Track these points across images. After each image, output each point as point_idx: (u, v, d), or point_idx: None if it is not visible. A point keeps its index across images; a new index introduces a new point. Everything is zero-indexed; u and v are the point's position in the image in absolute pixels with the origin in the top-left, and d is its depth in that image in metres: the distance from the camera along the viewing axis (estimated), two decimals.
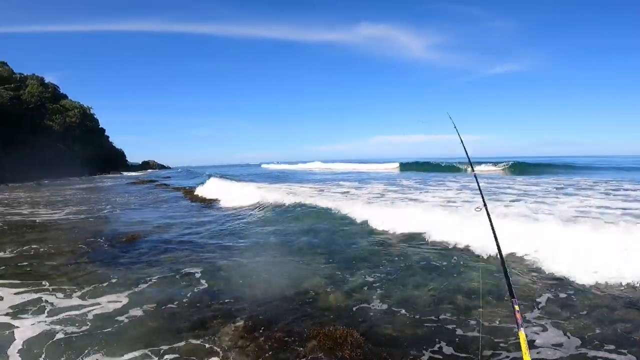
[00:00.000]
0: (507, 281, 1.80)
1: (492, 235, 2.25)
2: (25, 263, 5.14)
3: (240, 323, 3.07)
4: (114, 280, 4.24)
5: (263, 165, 67.62)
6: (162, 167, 75.45)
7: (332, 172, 32.16)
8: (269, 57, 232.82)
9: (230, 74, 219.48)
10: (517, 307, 1.61)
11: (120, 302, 3.62)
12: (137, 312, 3.38)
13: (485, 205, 2.63)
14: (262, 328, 2.98)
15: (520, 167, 24.08)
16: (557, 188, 11.29)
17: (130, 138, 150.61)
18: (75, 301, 3.66)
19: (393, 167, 32.17)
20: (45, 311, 3.43)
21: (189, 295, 3.77)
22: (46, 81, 51.06)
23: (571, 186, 11.64)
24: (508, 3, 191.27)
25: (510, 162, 25.32)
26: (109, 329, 3.05)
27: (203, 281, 4.19)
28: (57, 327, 3.09)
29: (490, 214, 2.50)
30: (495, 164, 25.34)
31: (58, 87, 54.65)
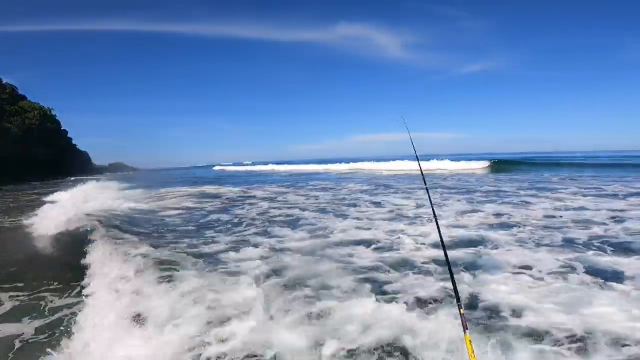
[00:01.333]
0: (453, 284, 1.91)
1: (439, 237, 2.51)
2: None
3: None
4: None
5: (216, 167, 64.82)
6: (131, 168, 73.03)
7: (299, 171, 32.20)
8: (245, 57, 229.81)
9: (206, 74, 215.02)
10: (462, 311, 1.69)
11: None
12: None
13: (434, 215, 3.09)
14: None
15: (502, 165, 24.27)
16: (533, 186, 11.94)
17: (101, 140, 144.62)
18: None
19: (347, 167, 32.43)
20: None
21: None
22: (3, 82, 48.12)
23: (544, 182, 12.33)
24: (482, 4, 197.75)
25: (494, 160, 25.49)
26: None
27: None
28: None
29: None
30: (477, 160, 25.49)
31: (16, 87, 51.66)
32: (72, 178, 41.62)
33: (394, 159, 30.20)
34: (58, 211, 8.91)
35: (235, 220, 8.03)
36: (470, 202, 9.01)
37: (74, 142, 64.32)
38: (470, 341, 1.53)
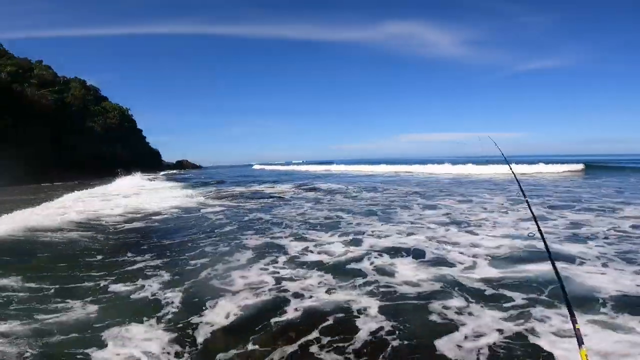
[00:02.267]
0: (564, 296, 1.75)
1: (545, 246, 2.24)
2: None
3: None
4: None
5: (255, 166, 68.12)
6: (194, 166, 77.84)
7: (348, 173, 31.32)
8: (295, 57, 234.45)
9: (258, 74, 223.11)
10: (577, 326, 1.54)
11: None
12: None
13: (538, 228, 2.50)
14: None
15: (587, 169, 21.01)
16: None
17: (166, 138, 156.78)
18: None
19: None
20: None
21: None
22: (87, 84, 53.85)
23: None
24: None
25: (585, 163, 21.94)
26: None
27: None
28: None
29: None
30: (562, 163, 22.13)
31: (99, 89, 57.55)
32: (134, 174, 44.87)
33: (453, 162, 28.06)
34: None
35: (275, 220, 7.74)
36: (548, 207, 7.86)
37: (146, 140, 70.35)
38: (587, 355, 1.43)
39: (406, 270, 4.06)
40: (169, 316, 3.16)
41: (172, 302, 3.43)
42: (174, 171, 57.87)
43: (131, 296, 3.65)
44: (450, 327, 2.80)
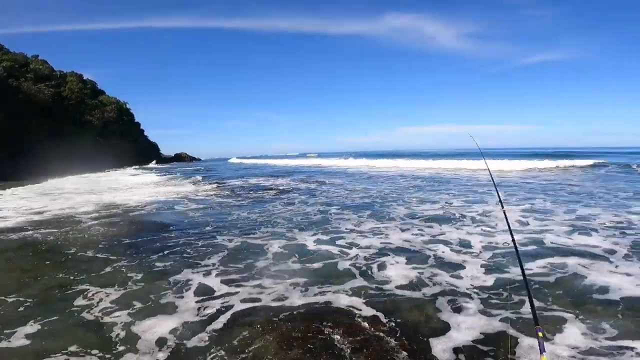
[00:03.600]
0: (531, 306, 1.76)
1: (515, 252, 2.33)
2: None
3: None
4: None
5: (231, 160, 69.35)
6: (192, 159, 77.59)
7: (340, 168, 31.26)
8: (293, 50, 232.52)
9: (257, 67, 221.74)
10: (540, 334, 1.55)
11: None
12: None
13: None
14: None
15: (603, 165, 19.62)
16: None
17: (165, 132, 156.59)
18: None
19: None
20: None
21: None
22: (84, 77, 53.44)
23: None
24: None
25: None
26: None
27: None
28: None
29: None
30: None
31: (96, 83, 57.14)
32: (129, 167, 44.78)
33: (449, 155, 27.78)
34: None
35: (260, 219, 7.71)
36: (554, 203, 8.01)
37: (145, 133, 70.02)
38: None
39: (396, 271, 4.02)
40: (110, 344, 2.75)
41: (119, 323, 3.06)
42: (170, 164, 57.75)
43: (77, 316, 3.25)
44: (437, 331, 2.74)
